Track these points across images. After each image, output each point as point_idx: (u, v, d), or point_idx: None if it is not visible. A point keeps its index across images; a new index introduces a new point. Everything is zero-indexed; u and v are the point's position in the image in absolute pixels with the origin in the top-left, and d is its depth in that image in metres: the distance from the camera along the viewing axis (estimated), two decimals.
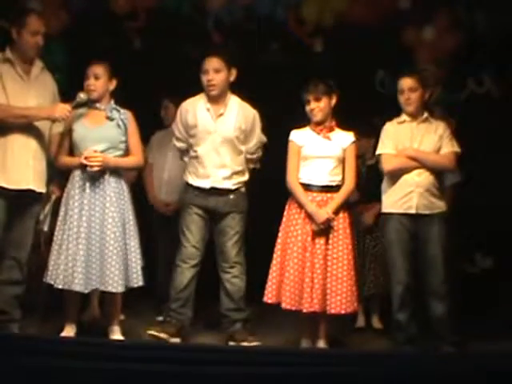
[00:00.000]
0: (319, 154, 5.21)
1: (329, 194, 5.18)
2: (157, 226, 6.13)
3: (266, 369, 4.31)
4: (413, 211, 5.15)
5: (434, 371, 4.28)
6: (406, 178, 5.19)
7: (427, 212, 5.15)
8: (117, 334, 5.27)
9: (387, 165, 5.25)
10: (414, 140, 5.25)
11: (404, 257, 5.16)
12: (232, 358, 4.54)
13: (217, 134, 5.36)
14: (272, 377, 4.24)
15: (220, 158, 5.36)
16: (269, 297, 5.19)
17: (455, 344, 5.08)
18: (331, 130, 5.27)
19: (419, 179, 5.17)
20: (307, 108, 5.25)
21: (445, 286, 5.11)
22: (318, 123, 5.25)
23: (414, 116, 5.28)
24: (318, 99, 5.22)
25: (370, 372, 4.26)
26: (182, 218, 5.42)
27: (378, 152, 5.31)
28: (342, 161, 5.23)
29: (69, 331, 5.21)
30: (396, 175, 5.22)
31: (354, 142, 5.28)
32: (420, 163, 5.18)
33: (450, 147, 5.24)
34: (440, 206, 5.21)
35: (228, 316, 5.37)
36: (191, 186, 5.41)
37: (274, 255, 5.22)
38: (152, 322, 5.61)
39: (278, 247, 5.22)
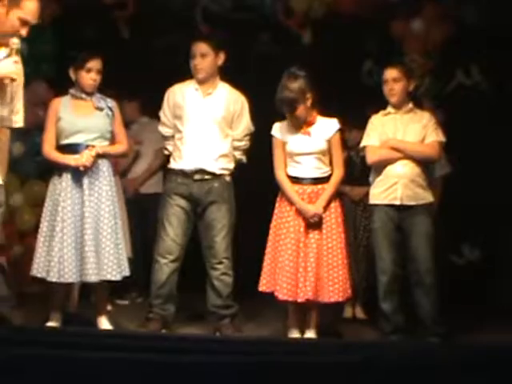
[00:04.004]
0: (303, 151, 5.15)
1: (319, 186, 5.16)
2: None
3: (252, 358, 4.31)
4: (397, 202, 5.16)
5: (419, 362, 4.30)
6: (390, 169, 5.19)
7: (412, 203, 5.16)
8: (105, 324, 5.27)
9: (371, 156, 5.26)
10: (398, 131, 5.25)
11: (389, 246, 5.18)
12: (219, 347, 4.54)
13: (204, 112, 5.31)
14: (256, 365, 4.24)
15: (206, 137, 5.29)
16: (263, 286, 5.17)
17: (441, 335, 5.10)
18: (311, 124, 5.18)
19: (403, 170, 5.17)
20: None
21: (429, 276, 5.12)
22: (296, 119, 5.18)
23: (398, 107, 5.28)
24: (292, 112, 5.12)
25: (357, 362, 4.27)
26: (162, 209, 5.33)
27: (362, 144, 5.31)
28: (328, 151, 5.19)
29: (55, 321, 5.21)
30: (381, 166, 5.22)
31: (338, 131, 5.19)
32: (403, 153, 5.18)
33: (434, 136, 5.24)
34: (425, 197, 5.21)
35: (215, 312, 5.31)
36: (174, 171, 5.34)
37: (267, 245, 5.20)
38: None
39: (270, 238, 5.20)
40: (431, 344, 5.03)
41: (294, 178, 5.18)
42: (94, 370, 4.17)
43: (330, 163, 5.21)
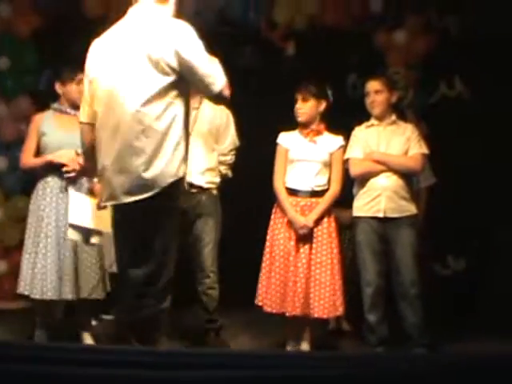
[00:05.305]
0: (304, 158, 5.19)
1: (313, 199, 5.17)
2: None
3: (241, 372, 4.29)
4: (380, 215, 5.17)
5: (405, 373, 4.29)
6: (373, 181, 5.20)
7: (396, 215, 5.17)
8: (89, 340, 5.24)
9: (354, 169, 5.26)
10: (381, 143, 5.27)
11: (374, 258, 5.19)
12: (209, 361, 4.51)
13: (190, 127, 5.32)
14: (245, 380, 4.22)
15: (192, 152, 5.27)
16: (259, 300, 5.19)
17: (426, 346, 5.10)
18: (318, 133, 5.24)
19: (387, 182, 5.18)
20: (295, 107, 5.23)
21: (414, 288, 5.13)
22: (304, 125, 5.23)
23: (380, 119, 5.30)
24: (305, 100, 5.20)
25: (341, 374, 4.25)
26: None
27: (345, 157, 5.31)
28: (329, 165, 5.22)
29: (39, 337, 5.17)
30: (364, 179, 5.24)
31: (342, 147, 5.25)
32: (387, 166, 5.19)
33: (417, 149, 5.25)
34: (409, 209, 5.22)
35: (201, 326, 5.31)
36: None
37: (263, 258, 5.22)
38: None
39: (266, 250, 5.22)
40: (417, 355, 5.02)
41: (291, 189, 5.18)
42: None
43: (328, 180, 5.22)
